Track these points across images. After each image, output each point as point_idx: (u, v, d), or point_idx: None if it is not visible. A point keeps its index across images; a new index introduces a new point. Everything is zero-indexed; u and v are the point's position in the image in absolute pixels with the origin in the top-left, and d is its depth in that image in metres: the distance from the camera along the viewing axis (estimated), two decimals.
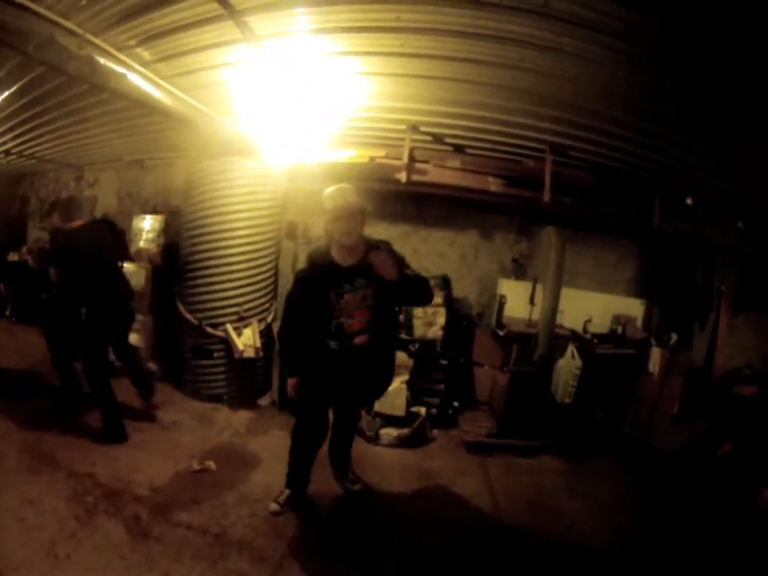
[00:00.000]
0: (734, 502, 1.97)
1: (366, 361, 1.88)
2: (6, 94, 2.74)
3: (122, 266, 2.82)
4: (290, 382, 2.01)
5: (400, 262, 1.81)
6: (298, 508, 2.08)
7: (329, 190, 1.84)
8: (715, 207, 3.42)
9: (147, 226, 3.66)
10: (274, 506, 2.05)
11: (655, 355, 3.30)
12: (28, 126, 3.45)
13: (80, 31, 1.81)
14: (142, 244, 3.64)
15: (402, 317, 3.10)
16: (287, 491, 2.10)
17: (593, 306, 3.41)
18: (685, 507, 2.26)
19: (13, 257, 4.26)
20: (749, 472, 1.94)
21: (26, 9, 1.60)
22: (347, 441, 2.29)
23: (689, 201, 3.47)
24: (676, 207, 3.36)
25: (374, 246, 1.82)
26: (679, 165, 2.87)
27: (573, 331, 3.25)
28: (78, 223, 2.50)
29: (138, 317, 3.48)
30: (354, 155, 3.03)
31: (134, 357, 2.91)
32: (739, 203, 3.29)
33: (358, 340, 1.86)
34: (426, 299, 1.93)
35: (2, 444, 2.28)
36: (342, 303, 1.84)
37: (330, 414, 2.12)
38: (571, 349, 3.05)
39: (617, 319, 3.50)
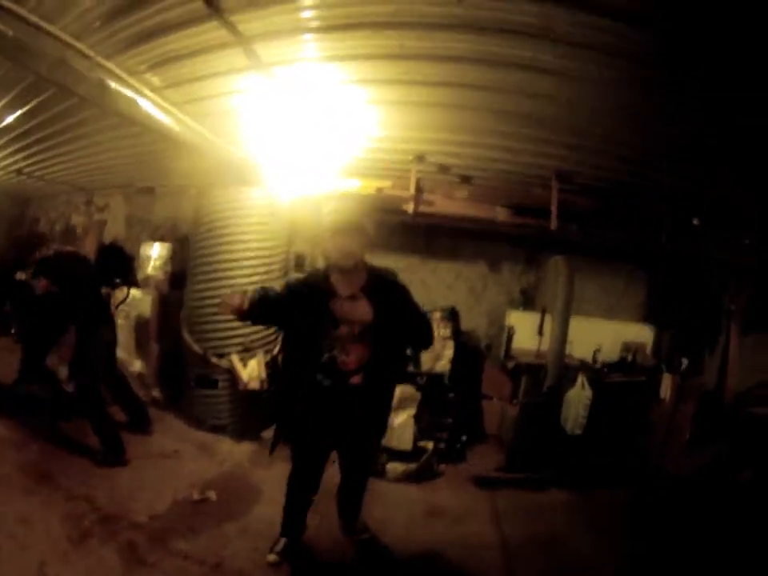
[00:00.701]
0: (754, 532, 1.88)
1: (362, 402, 1.66)
2: (19, 113, 2.76)
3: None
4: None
5: (403, 297, 1.67)
6: (297, 557, 1.92)
7: (330, 204, 1.72)
8: (723, 225, 3.40)
9: (155, 254, 3.68)
10: (272, 557, 1.87)
11: (666, 381, 3.25)
12: (40, 147, 3.49)
13: (91, 54, 1.84)
14: (149, 271, 3.66)
15: (408, 351, 3.08)
16: (283, 540, 1.91)
17: (602, 334, 3.37)
18: (702, 538, 2.16)
19: (20, 276, 4.30)
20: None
21: (40, 29, 1.62)
22: (355, 490, 2.04)
23: (695, 222, 3.46)
24: (683, 228, 3.35)
25: (377, 274, 1.67)
26: (686, 184, 2.86)
27: (582, 361, 3.21)
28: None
29: (143, 343, 3.51)
30: (361, 186, 3.05)
31: (123, 383, 2.90)
32: (747, 220, 3.26)
33: (354, 380, 1.64)
34: (425, 342, 1.78)
35: (0, 462, 2.25)
36: (336, 335, 1.61)
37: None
38: (581, 379, 3.00)
39: (626, 347, 3.45)
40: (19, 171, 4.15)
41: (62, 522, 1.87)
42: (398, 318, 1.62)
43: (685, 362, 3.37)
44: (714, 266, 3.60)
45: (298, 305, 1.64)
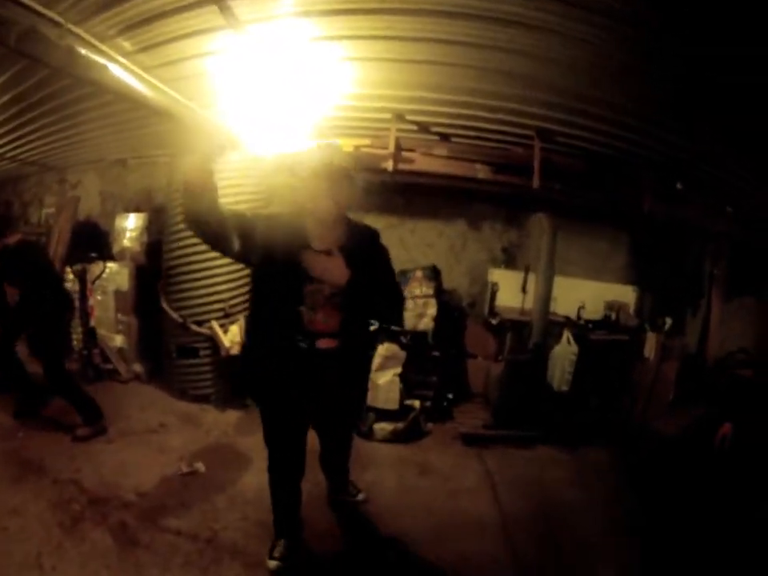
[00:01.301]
0: (735, 498, 1.89)
1: (334, 370, 1.45)
2: None
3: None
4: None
5: (382, 260, 1.52)
6: (299, 559, 1.69)
7: (312, 147, 1.56)
8: (706, 192, 3.42)
9: (131, 225, 3.58)
10: (273, 564, 1.62)
11: (650, 340, 3.28)
12: (9, 127, 3.35)
13: (61, 20, 1.76)
14: (125, 243, 3.56)
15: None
16: (282, 541, 1.66)
17: (585, 294, 3.38)
18: (684, 496, 2.20)
19: None
20: (750, 462, 1.87)
21: None
22: (338, 456, 1.91)
23: (679, 186, 3.47)
24: (667, 193, 3.36)
25: (358, 231, 1.49)
26: (670, 149, 2.86)
27: (567, 318, 3.22)
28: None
29: (122, 317, 3.43)
30: (338, 144, 2.98)
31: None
32: (729, 188, 3.29)
33: (322, 343, 1.42)
34: (393, 316, 1.64)
35: None
36: (305, 290, 1.39)
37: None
38: (567, 335, 3.01)
39: (609, 306, 3.48)
40: None
41: (53, 509, 1.85)
42: (373, 282, 1.43)
43: (669, 321, 3.41)
44: (696, 231, 3.64)
45: (267, 241, 1.38)
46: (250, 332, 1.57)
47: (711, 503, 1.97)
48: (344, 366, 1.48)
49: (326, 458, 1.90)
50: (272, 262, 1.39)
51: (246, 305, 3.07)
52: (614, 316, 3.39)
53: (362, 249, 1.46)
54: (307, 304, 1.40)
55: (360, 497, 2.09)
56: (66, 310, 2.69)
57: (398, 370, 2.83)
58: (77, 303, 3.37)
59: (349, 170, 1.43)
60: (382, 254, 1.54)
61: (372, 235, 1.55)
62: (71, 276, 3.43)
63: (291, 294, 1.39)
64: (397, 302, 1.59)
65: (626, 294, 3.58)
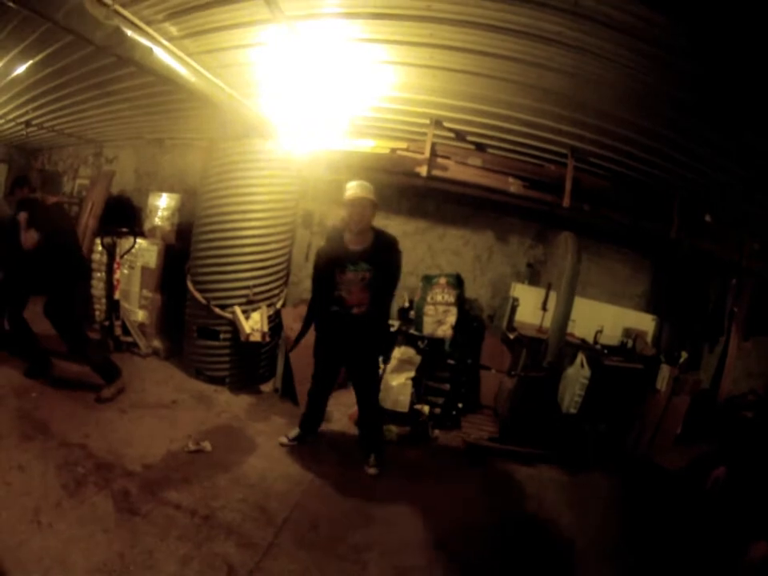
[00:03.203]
0: (721, 541, 1.86)
1: (360, 326, 2.22)
2: (30, 63, 2.73)
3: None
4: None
5: (394, 260, 2.21)
6: (303, 444, 2.47)
7: (350, 182, 2.16)
8: (733, 226, 3.37)
9: (163, 204, 3.65)
10: (282, 439, 2.49)
11: (664, 372, 3.23)
12: (50, 98, 3.44)
13: (109, 1, 1.80)
14: (156, 221, 3.63)
15: (412, 313, 3.08)
16: (298, 430, 2.52)
17: (604, 318, 3.36)
18: (677, 533, 2.19)
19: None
20: (741, 506, 1.84)
21: None
22: (368, 412, 2.45)
23: (707, 218, 3.43)
24: (694, 223, 3.32)
25: (382, 238, 2.21)
26: (701, 179, 2.84)
27: (583, 340, 3.20)
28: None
29: (147, 293, 3.51)
30: (375, 146, 3.01)
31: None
32: (758, 223, 3.24)
33: (355, 310, 2.20)
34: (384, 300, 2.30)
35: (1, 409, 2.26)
36: (344, 279, 2.19)
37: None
38: (581, 357, 2.99)
39: (627, 333, 3.45)
40: (28, 123, 4.09)
41: (57, 469, 1.89)
42: (388, 278, 2.20)
43: (684, 355, 3.36)
44: (721, 265, 3.58)
45: (324, 261, 2.25)
46: (311, 303, 2.40)
47: (699, 543, 1.95)
48: (368, 323, 2.24)
49: (360, 412, 2.48)
50: (327, 265, 2.25)
51: (271, 295, 3.17)
52: (630, 343, 3.36)
53: (383, 251, 2.21)
54: (344, 289, 2.20)
55: (372, 471, 2.37)
56: (79, 279, 2.75)
57: (412, 374, 2.85)
58: (102, 275, 3.47)
59: (372, 199, 2.17)
60: (396, 254, 2.25)
61: (392, 242, 2.26)
62: (100, 248, 3.51)
63: (336, 284, 2.22)
64: (390, 293, 2.28)
65: (645, 323, 3.54)
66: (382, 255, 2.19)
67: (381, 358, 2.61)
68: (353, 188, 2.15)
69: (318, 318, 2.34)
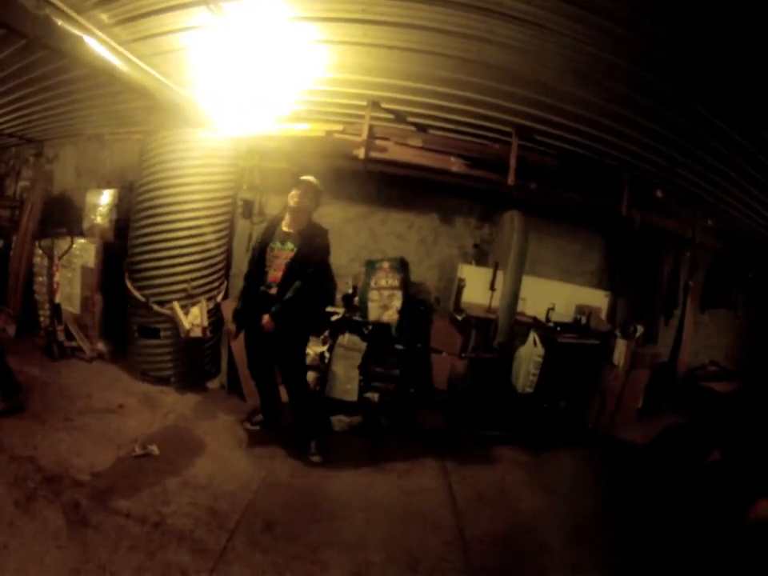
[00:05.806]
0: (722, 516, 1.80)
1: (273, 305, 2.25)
2: None
3: None
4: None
5: (320, 252, 2.32)
6: (265, 430, 2.57)
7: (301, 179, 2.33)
8: (685, 202, 3.39)
9: (102, 201, 3.51)
10: (248, 425, 2.60)
11: (620, 347, 3.25)
12: None
13: None
14: (95, 219, 3.49)
15: (356, 299, 3.02)
16: (260, 416, 2.62)
17: (555, 295, 3.34)
18: (648, 508, 2.18)
19: None
20: (742, 484, 1.81)
21: None
22: (296, 398, 2.47)
23: (659, 193, 3.45)
24: (645, 199, 3.33)
25: (314, 227, 2.36)
26: (651, 155, 2.82)
27: (535, 318, 3.19)
28: None
29: (88, 294, 3.37)
30: (310, 129, 2.93)
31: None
32: (710, 200, 3.26)
33: (271, 290, 2.29)
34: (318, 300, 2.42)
35: None
36: (271, 256, 2.32)
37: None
38: (533, 336, 2.98)
39: (580, 309, 3.45)
40: None
41: (8, 486, 1.83)
42: (309, 263, 2.27)
43: (640, 329, 3.39)
44: (674, 241, 3.62)
45: (262, 240, 2.38)
46: (246, 281, 2.47)
47: (676, 518, 1.95)
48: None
49: (288, 394, 2.50)
50: (263, 243, 2.39)
51: (210, 288, 3.08)
52: (584, 320, 3.36)
53: (311, 237, 2.33)
54: (272, 266, 2.33)
55: (316, 459, 2.37)
56: None
57: (359, 361, 2.80)
58: (43, 279, 3.32)
59: (316, 183, 2.34)
60: (322, 247, 2.37)
61: (322, 230, 2.39)
62: (39, 252, 3.36)
63: (267, 261, 2.36)
64: (312, 277, 2.29)
65: (599, 299, 3.55)
66: (309, 240, 2.30)
67: (308, 343, 2.59)
68: (303, 176, 2.35)
69: (245, 297, 2.39)
